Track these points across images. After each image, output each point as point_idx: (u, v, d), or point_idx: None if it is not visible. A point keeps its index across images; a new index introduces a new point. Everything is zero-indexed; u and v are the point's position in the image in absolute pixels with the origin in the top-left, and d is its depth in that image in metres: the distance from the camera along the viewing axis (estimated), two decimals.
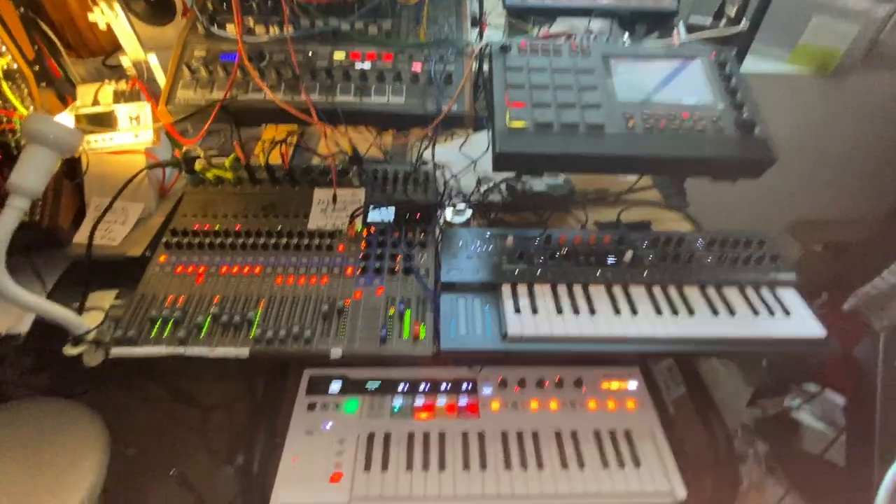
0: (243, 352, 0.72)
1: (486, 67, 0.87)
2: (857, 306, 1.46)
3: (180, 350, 0.72)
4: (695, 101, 0.83)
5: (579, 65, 0.86)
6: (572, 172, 1.04)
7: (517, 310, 0.79)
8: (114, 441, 1.01)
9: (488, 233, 0.92)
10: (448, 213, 1.02)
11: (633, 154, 0.77)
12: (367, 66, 0.86)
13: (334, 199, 0.92)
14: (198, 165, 0.94)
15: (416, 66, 0.86)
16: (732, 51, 0.91)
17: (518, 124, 0.79)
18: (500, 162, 0.79)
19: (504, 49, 0.88)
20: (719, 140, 0.78)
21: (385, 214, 0.92)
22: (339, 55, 0.86)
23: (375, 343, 0.74)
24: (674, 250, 0.89)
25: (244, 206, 0.94)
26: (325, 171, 0.97)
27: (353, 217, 0.87)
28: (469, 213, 1.01)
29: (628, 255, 0.86)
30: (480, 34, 0.96)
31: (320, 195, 0.93)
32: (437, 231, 0.90)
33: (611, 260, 0.87)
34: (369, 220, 0.92)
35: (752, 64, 1.37)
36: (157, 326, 0.75)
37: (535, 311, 0.79)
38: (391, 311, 0.78)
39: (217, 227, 0.88)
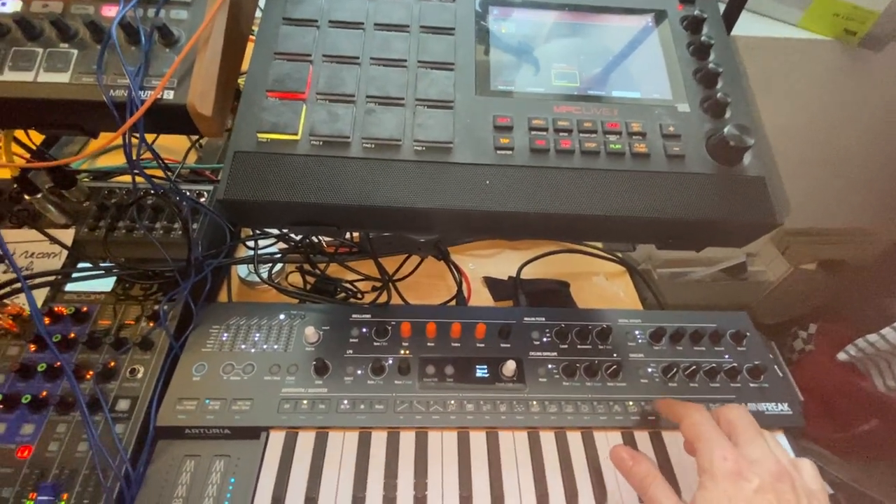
0: None
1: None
2: (856, 359, 1.14)
3: None
4: (638, 94, 0.44)
5: (428, 17, 0.45)
6: (378, 231, 0.59)
7: (277, 499, 0.42)
8: None
9: (283, 314, 0.53)
10: (242, 269, 0.63)
11: (497, 209, 0.38)
12: (11, 6, 0.44)
13: None
14: None
15: (109, 10, 0.44)
16: (716, 1, 0.51)
17: (279, 136, 0.39)
18: (235, 214, 0.40)
19: None
20: (672, 180, 0.40)
21: (100, 282, 0.53)
22: None
23: None
24: (591, 355, 0.52)
25: None
26: (16, 198, 0.57)
27: None
28: (277, 266, 0.63)
29: (509, 366, 0.50)
30: None
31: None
32: (173, 317, 0.50)
33: (480, 372, 0.51)
34: (72, 288, 0.53)
35: (749, 26, 0.96)
36: None
37: (311, 501, 0.42)
38: (28, 502, 0.41)
39: None
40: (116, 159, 0.76)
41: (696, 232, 0.42)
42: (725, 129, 0.40)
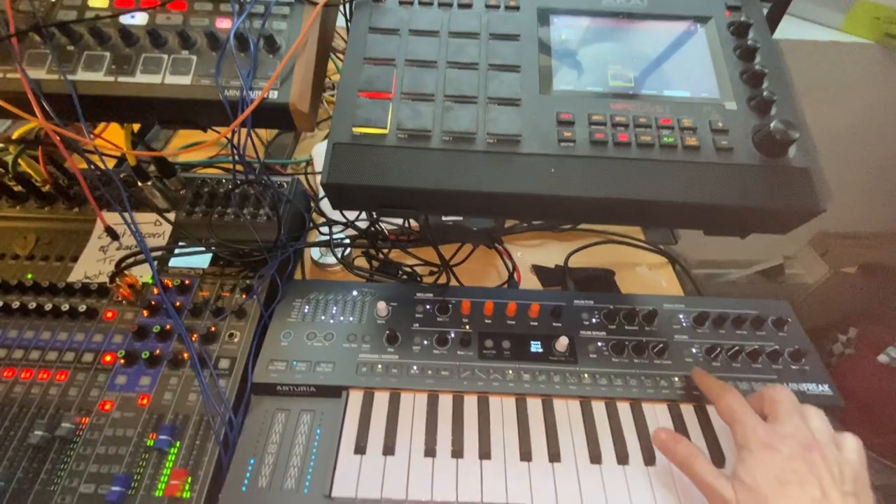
0: None
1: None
2: None
3: None
4: (687, 93, 0.49)
5: (495, 26, 0.51)
6: (455, 215, 0.65)
7: (360, 448, 0.48)
8: None
9: (355, 291, 0.60)
10: (315, 252, 0.70)
11: (561, 194, 0.43)
12: (139, 19, 0.52)
13: (110, 232, 0.60)
14: None
15: (222, 22, 0.52)
16: (761, 8, 0.55)
17: (370, 130, 0.45)
18: (333, 196, 0.46)
19: None
20: (721, 170, 0.44)
21: (198, 259, 0.60)
22: (97, 1, 0.52)
23: None
24: (638, 335, 0.56)
25: None
26: (128, 184, 0.65)
27: (120, 267, 0.55)
28: (347, 250, 0.69)
29: (562, 342, 0.54)
30: None
31: (110, 222, 0.62)
32: (262, 290, 0.57)
33: (535, 347, 0.55)
34: (174, 264, 0.60)
35: (791, 29, 0.98)
36: None
37: (389, 450, 0.48)
38: (149, 441, 0.48)
39: None
40: (196, 154, 0.85)
41: (743, 218, 0.46)
42: (772, 124, 0.43)
